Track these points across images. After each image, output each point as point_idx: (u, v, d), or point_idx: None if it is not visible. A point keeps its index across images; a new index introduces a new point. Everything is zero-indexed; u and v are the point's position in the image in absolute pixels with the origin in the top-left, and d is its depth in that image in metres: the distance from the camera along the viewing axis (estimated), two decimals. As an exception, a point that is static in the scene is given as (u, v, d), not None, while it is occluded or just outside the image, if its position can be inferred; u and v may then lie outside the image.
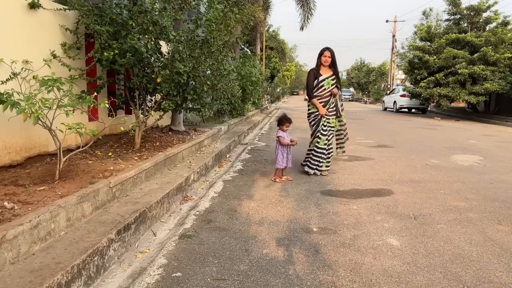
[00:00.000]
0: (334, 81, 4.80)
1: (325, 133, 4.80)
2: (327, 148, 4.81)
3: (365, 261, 2.43)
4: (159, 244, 2.68)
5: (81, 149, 3.22)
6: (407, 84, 23.24)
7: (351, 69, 48.32)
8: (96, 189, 2.74)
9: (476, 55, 15.29)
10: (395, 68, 29.51)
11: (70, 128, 2.79)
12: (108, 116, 4.51)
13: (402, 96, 20.01)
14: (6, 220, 2.04)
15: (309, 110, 4.96)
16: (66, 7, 3.82)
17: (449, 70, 16.12)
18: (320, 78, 4.75)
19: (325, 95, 4.78)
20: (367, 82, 41.68)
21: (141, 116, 4.45)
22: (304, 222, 3.16)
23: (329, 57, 4.73)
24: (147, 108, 4.71)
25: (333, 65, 4.82)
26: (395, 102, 21.01)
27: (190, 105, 5.46)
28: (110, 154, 4.02)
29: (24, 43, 3.37)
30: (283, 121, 4.58)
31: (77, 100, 2.99)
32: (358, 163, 5.77)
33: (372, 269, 2.33)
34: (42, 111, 2.64)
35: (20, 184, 2.77)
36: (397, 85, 26.89)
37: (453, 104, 18.87)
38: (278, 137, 4.55)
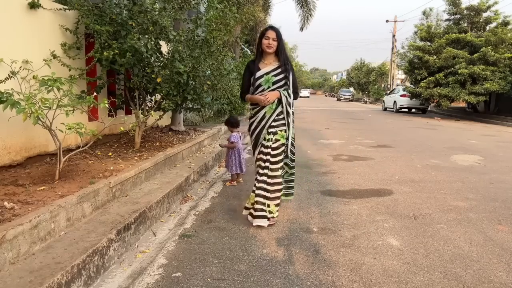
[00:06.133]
0: (279, 77, 3.12)
1: (266, 151, 3.11)
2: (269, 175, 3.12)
3: (365, 261, 2.43)
4: (159, 244, 2.68)
5: (81, 149, 3.22)
6: (407, 84, 23.23)
7: (351, 69, 48.27)
8: (96, 189, 2.74)
9: (476, 55, 15.29)
10: (395, 68, 29.50)
11: (70, 128, 2.79)
12: (108, 116, 4.50)
13: (402, 96, 20.00)
14: (6, 220, 2.04)
15: (250, 117, 3.25)
16: (66, 7, 3.83)
17: (449, 70, 16.11)
18: (257, 74, 3.12)
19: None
20: (367, 82, 41.62)
21: (141, 116, 4.45)
22: (304, 222, 3.16)
23: (274, 39, 3.07)
24: (147, 108, 4.71)
25: (279, 53, 3.15)
26: (395, 102, 21.00)
27: (190, 105, 5.46)
28: (110, 154, 4.02)
29: (24, 43, 3.37)
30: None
31: (77, 100, 2.99)
32: (358, 163, 5.77)
33: (372, 269, 2.32)
34: (42, 111, 2.64)
35: (20, 184, 2.77)
36: (397, 85, 26.90)
37: (453, 104, 18.86)
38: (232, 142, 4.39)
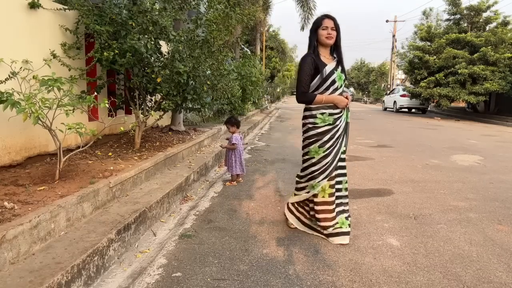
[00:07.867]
0: (343, 74, 2.74)
1: (343, 164, 2.80)
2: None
3: (365, 261, 2.43)
4: (159, 244, 2.68)
5: (81, 149, 3.22)
6: (407, 84, 23.24)
7: (351, 69, 48.31)
8: (96, 189, 2.74)
9: (476, 55, 15.29)
10: (395, 68, 29.50)
11: (70, 128, 2.79)
12: (108, 116, 4.51)
13: (402, 96, 20.01)
14: (6, 220, 2.04)
15: (310, 122, 2.70)
16: (66, 7, 3.83)
17: (449, 70, 16.12)
18: (327, 70, 2.62)
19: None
20: (367, 82, 41.67)
21: (141, 116, 4.45)
22: (304, 222, 3.15)
23: (332, 28, 2.61)
24: (147, 108, 4.72)
25: (336, 48, 2.74)
26: (395, 102, 21.01)
27: (190, 105, 5.46)
28: (110, 154, 4.02)
29: (24, 43, 3.37)
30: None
31: (77, 100, 2.99)
32: (358, 163, 5.77)
33: (372, 269, 2.32)
34: (42, 111, 2.64)
35: (20, 184, 2.77)
36: (397, 85, 26.90)
37: (453, 104, 18.87)
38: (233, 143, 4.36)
